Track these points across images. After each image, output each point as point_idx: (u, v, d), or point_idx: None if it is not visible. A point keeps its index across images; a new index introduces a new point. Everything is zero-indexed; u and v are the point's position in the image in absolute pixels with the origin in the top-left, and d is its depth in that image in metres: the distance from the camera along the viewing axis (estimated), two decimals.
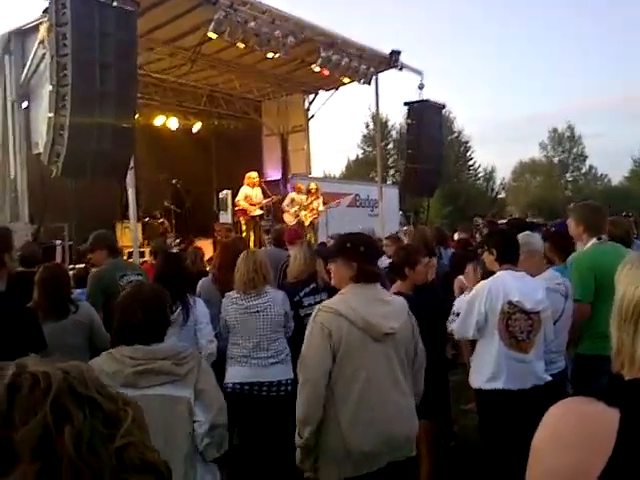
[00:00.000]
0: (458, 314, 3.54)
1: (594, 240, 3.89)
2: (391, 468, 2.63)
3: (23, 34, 8.75)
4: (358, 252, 2.74)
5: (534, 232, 4.28)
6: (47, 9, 7.08)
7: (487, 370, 3.35)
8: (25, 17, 8.69)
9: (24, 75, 8.52)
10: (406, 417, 2.70)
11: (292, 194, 11.98)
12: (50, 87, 7.01)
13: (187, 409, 2.27)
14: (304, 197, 11.90)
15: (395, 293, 3.32)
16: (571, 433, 0.90)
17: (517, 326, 3.29)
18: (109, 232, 5.58)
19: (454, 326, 3.56)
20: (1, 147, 8.81)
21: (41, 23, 7.86)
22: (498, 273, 3.40)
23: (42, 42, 7.87)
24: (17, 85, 8.61)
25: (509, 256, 3.44)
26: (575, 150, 49.83)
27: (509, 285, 3.32)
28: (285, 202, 11.81)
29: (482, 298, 3.32)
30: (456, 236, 7.72)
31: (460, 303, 3.64)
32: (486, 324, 3.33)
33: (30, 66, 8.41)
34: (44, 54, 7.80)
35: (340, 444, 2.57)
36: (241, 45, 9.70)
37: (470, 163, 46.14)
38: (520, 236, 3.67)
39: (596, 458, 0.86)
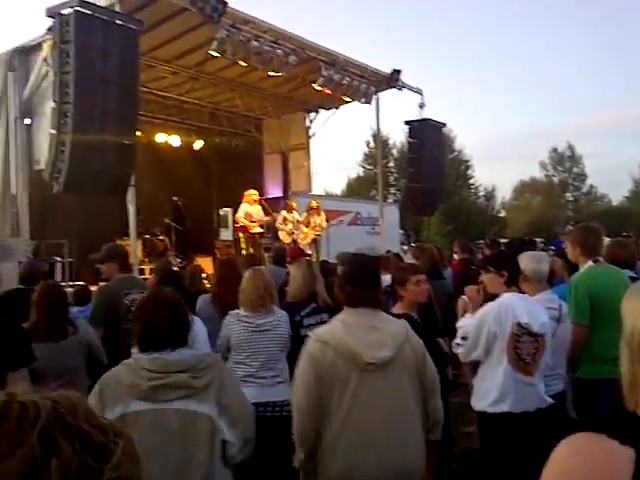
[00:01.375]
0: (464, 338, 3.48)
1: (590, 262, 3.88)
2: None
3: (27, 51, 8.83)
4: (350, 275, 2.70)
5: (532, 250, 4.28)
6: (51, 27, 7.13)
7: (492, 393, 3.30)
8: (29, 35, 8.81)
9: (27, 92, 8.57)
10: (409, 450, 2.58)
11: (283, 212, 11.94)
12: (52, 104, 7.04)
13: (209, 425, 2.16)
14: (295, 215, 11.88)
15: (395, 314, 3.27)
16: (583, 474, 0.85)
17: (524, 348, 3.26)
18: (122, 246, 5.50)
19: (461, 350, 3.49)
20: (3, 163, 8.84)
21: (45, 41, 7.94)
22: (505, 295, 3.37)
23: (45, 59, 7.93)
24: (20, 102, 8.66)
25: (516, 278, 3.43)
26: (575, 169, 50.04)
27: (517, 307, 3.29)
28: (278, 220, 11.79)
29: (491, 320, 3.27)
30: (456, 256, 7.66)
31: (466, 326, 3.57)
32: (494, 346, 3.29)
33: (33, 83, 8.47)
34: (47, 71, 7.86)
35: (331, 470, 2.54)
36: (243, 64, 9.77)
37: (471, 181, 46.33)
38: (529, 259, 3.67)
39: None
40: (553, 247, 12.34)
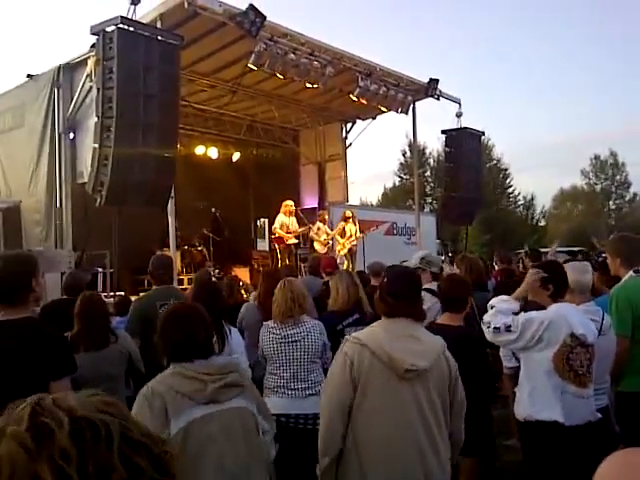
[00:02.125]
0: (508, 328, 3.27)
1: (631, 273, 3.80)
2: None
3: (72, 68, 9.12)
4: (391, 287, 2.70)
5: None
6: (95, 44, 7.35)
7: (539, 401, 3.20)
8: (74, 51, 9.10)
9: (72, 107, 8.84)
10: (434, 465, 2.54)
11: (318, 224, 11.93)
12: (95, 119, 7.24)
13: (255, 420, 2.35)
14: (326, 228, 11.88)
15: (442, 325, 3.24)
16: None
17: (577, 360, 3.17)
18: (164, 257, 5.46)
19: (503, 338, 3.30)
20: (49, 177, 9.11)
21: (89, 57, 8.18)
22: (562, 304, 3.28)
23: (90, 75, 8.17)
24: (64, 117, 8.93)
25: (563, 291, 3.35)
26: (618, 177, 48.77)
27: (573, 318, 3.21)
28: (312, 232, 11.80)
29: (544, 326, 3.17)
30: (496, 266, 7.56)
31: (512, 318, 3.32)
32: (543, 353, 3.19)
33: (77, 98, 8.73)
34: (91, 87, 8.08)
35: (357, 477, 2.51)
36: (280, 76, 9.87)
37: (509, 190, 45.58)
38: (571, 270, 3.58)
39: None
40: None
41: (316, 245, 11.67)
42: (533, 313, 3.29)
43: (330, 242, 11.75)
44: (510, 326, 3.25)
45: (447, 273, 4.99)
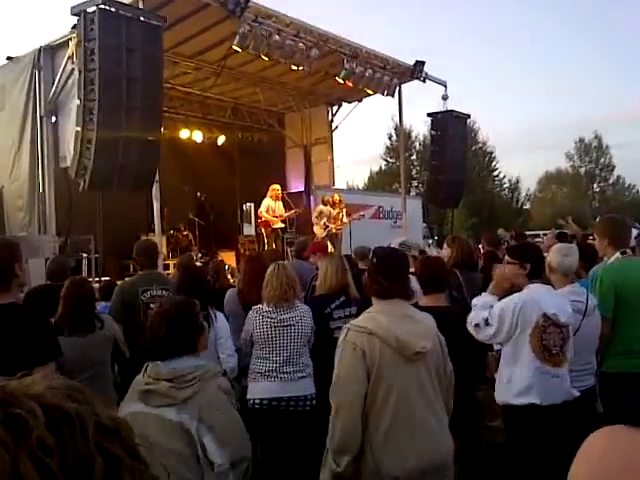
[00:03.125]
0: (487, 321, 3.36)
1: (617, 254, 3.83)
2: None
3: (53, 50, 8.93)
4: (382, 267, 2.71)
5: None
6: (76, 25, 7.21)
7: (517, 385, 3.26)
8: (55, 33, 8.90)
9: (53, 90, 8.67)
10: (442, 441, 2.60)
11: (320, 206, 11.93)
12: (78, 101, 7.12)
13: (185, 437, 2.15)
14: (330, 208, 11.87)
15: (424, 307, 3.26)
16: (615, 467, 0.84)
17: (551, 339, 3.22)
18: (147, 242, 5.49)
19: (484, 334, 3.37)
20: (31, 162, 8.97)
21: (70, 39, 8.02)
22: (532, 286, 3.33)
23: (71, 57, 8.01)
24: (46, 100, 8.76)
25: (540, 271, 3.39)
26: (602, 160, 49.10)
27: (545, 298, 3.26)
28: (314, 215, 11.77)
29: (516, 310, 3.23)
30: (482, 249, 7.58)
31: (488, 310, 3.40)
32: (516, 337, 3.25)
33: (59, 81, 8.56)
34: (73, 69, 7.94)
35: (373, 469, 2.47)
36: (265, 58, 9.77)
37: (495, 173, 45.76)
38: (556, 252, 3.61)
39: None
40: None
41: (316, 229, 11.58)
42: (506, 300, 3.34)
43: (331, 226, 11.67)
44: (487, 319, 3.32)
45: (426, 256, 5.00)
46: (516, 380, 3.27)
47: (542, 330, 3.21)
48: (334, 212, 11.82)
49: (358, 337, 2.54)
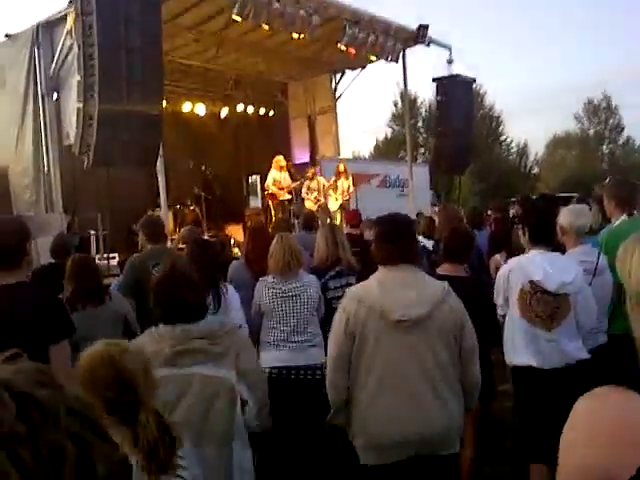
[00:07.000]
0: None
1: (624, 216, 3.84)
2: (422, 462, 2.57)
3: (51, 26, 8.80)
4: (385, 232, 2.71)
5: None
6: None
7: (515, 346, 3.39)
8: (52, 8, 8.76)
9: (53, 67, 8.59)
10: (436, 417, 2.57)
11: (307, 182, 11.76)
12: (78, 77, 7.06)
13: (227, 389, 2.27)
14: (321, 180, 11.77)
15: (441, 275, 3.34)
16: (605, 427, 0.83)
17: (540, 306, 3.28)
18: (154, 217, 5.55)
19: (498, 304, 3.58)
20: (35, 140, 8.93)
21: (68, 14, 7.91)
22: (528, 253, 3.41)
23: (70, 32, 7.91)
24: (47, 77, 8.68)
25: (541, 235, 3.41)
26: (611, 121, 48.35)
27: (535, 265, 3.30)
28: (303, 190, 11.68)
29: (505, 276, 3.41)
30: (491, 215, 7.57)
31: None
32: (508, 303, 3.41)
33: (59, 57, 8.47)
34: (72, 44, 7.84)
35: (360, 427, 2.61)
36: (266, 27, 9.61)
37: (502, 138, 45.23)
38: (567, 213, 3.68)
39: (633, 452, 0.79)
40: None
41: (307, 204, 11.56)
42: (501, 270, 3.56)
43: (322, 199, 11.64)
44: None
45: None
46: (516, 342, 3.40)
47: (530, 296, 3.29)
48: (330, 182, 11.74)
49: (348, 303, 2.64)
